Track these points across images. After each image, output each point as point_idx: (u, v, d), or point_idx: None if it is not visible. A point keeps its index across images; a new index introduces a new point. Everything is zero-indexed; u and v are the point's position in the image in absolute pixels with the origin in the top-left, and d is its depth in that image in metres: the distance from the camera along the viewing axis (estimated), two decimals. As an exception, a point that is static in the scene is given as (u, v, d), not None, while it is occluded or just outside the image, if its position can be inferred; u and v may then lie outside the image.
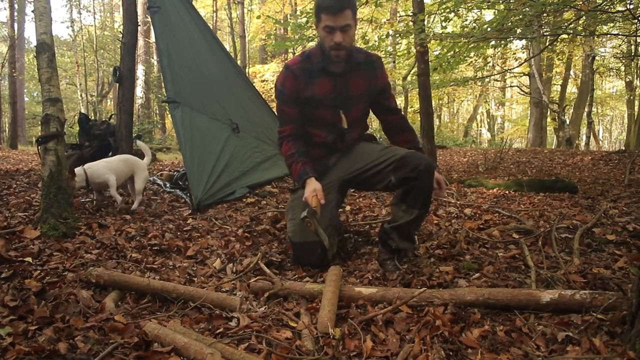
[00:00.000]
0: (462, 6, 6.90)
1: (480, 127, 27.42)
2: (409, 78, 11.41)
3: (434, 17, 10.01)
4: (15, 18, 13.99)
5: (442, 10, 6.95)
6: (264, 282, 1.74)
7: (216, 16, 18.24)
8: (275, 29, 14.89)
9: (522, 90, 15.43)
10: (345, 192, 2.48)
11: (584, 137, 12.30)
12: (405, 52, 11.37)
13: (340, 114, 2.21)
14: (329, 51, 2.03)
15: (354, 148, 2.29)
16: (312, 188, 2.01)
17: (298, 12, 13.02)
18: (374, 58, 2.21)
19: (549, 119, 15.50)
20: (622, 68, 14.82)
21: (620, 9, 5.96)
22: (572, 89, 20.14)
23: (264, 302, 1.76)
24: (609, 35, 11.02)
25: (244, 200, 3.69)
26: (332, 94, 2.17)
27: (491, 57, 13.20)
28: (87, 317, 1.55)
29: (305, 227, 1.99)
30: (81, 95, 16.96)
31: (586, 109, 12.11)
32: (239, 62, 13.00)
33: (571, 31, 6.82)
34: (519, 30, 6.39)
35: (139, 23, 6.52)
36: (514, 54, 14.19)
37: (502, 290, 1.65)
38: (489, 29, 6.49)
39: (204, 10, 19.51)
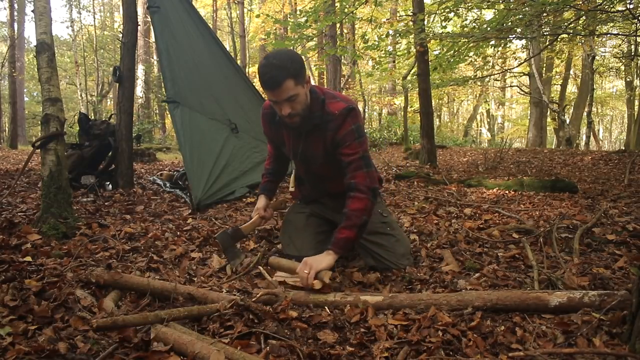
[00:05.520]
0: (462, 6, 6.91)
1: (480, 126, 27.44)
2: (409, 78, 11.41)
3: (434, 16, 10.02)
4: (15, 18, 14.00)
5: (442, 10, 6.96)
6: (268, 295, 1.72)
7: (216, 16, 18.25)
8: (275, 29, 14.88)
9: (522, 90, 15.42)
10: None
11: (584, 137, 12.29)
12: (405, 52, 11.37)
13: (308, 169, 2.15)
14: (283, 118, 1.92)
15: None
16: (259, 205, 2.26)
17: (298, 12, 13.02)
18: (331, 117, 1.92)
19: (549, 119, 15.49)
20: (622, 68, 14.81)
21: (620, 8, 5.97)
22: (572, 88, 20.16)
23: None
24: (609, 35, 11.03)
25: (244, 200, 3.69)
26: (295, 150, 2.08)
27: (491, 56, 13.20)
28: (87, 318, 1.54)
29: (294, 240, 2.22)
30: (81, 95, 16.95)
31: (586, 109, 12.10)
32: (239, 61, 13.01)
33: (571, 31, 6.83)
34: (518, 30, 6.39)
35: (139, 23, 6.52)
36: (514, 53, 14.19)
37: (510, 295, 1.61)
38: (488, 29, 6.49)
39: (204, 10, 19.52)
